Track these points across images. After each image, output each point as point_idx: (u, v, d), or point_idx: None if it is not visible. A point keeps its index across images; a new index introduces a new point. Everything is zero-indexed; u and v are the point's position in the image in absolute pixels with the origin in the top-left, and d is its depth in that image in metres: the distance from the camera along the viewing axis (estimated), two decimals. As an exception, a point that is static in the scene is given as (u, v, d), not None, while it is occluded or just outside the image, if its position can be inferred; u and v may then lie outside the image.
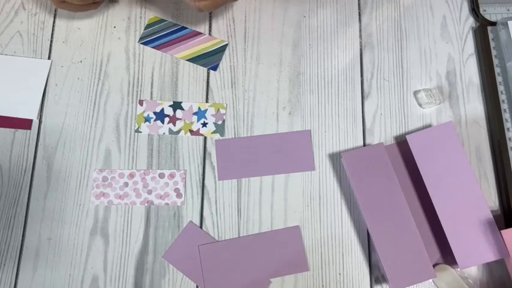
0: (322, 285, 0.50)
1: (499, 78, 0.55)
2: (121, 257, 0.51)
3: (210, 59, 0.57)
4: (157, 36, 0.58)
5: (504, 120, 0.53)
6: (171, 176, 0.53)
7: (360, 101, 0.56)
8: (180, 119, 0.55)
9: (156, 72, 0.56)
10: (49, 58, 0.57)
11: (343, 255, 0.51)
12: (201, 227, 0.52)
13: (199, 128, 0.54)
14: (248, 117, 0.55)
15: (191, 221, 0.52)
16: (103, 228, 0.51)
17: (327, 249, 0.51)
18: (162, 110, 0.55)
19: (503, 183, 0.52)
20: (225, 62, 0.57)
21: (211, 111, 0.55)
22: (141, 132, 0.54)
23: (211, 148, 0.54)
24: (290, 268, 0.50)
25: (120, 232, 0.51)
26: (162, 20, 0.58)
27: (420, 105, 0.55)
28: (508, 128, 0.53)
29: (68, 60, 0.57)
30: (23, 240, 0.51)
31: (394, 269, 0.47)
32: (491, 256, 0.47)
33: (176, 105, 0.55)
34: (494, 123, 0.53)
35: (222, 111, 0.55)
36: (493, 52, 0.56)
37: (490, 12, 0.58)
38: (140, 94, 0.55)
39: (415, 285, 0.49)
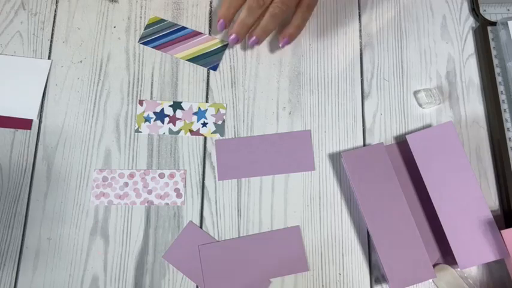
0: (322, 285, 0.50)
1: (499, 78, 0.55)
2: (121, 257, 0.51)
3: (210, 59, 0.57)
4: (157, 36, 0.58)
5: (504, 120, 0.53)
6: (171, 176, 0.53)
7: (360, 101, 0.56)
8: (180, 119, 0.55)
9: (156, 72, 0.56)
10: (49, 58, 0.57)
11: (343, 255, 0.51)
12: (201, 227, 0.52)
13: (199, 128, 0.54)
14: (248, 117, 0.55)
15: (191, 221, 0.52)
16: (103, 228, 0.51)
17: (327, 249, 0.51)
18: (162, 110, 0.55)
19: (503, 183, 0.52)
20: (225, 62, 0.57)
21: (211, 111, 0.55)
22: (141, 132, 0.54)
23: (211, 148, 0.54)
24: (290, 268, 0.50)
25: (120, 232, 0.51)
26: (162, 20, 0.58)
27: (420, 105, 0.55)
28: (508, 128, 0.53)
29: (68, 60, 0.57)
30: (23, 240, 0.51)
31: (394, 269, 0.47)
32: (491, 256, 0.47)
33: (176, 105, 0.55)
34: (494, 123, 0.53)
35: (222, 111, 0.55)
36: (493, 52, 0.56)
37: (490, 12, 0.58)
38: (140, 94, 0.55)
39: (415, 285, 0.49)
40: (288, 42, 0.54)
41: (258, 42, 0.54)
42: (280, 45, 0.54)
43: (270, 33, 0.54)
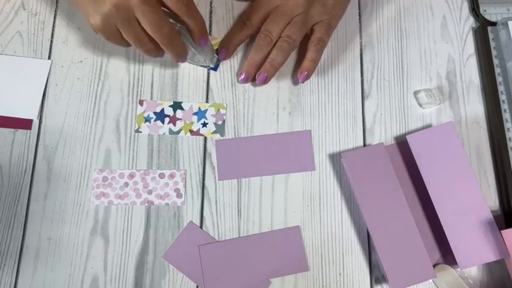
0: (322, 285, 0.50)
1: (499, 78, 0.55)
2: (121, 257, 0.51)
3: (210, 59, 0.57)
4: (158, 36, 0.57)
5: (504, 120, 0.53)
6: (171, 176, 0.53)
7: (360, 101, 0.56)
8: (180, 119, 0.55)
9: (156, 72, 0.56)
10: (49, 58, 0.57)
11: (343, 255, 0.51)
12: (201, 227, 0.52)
13: (199, 128, 0.54)
14: (248, 117, 0.55)
15: (191, 221, 0.52)
16: (103, 228, 0.51)
17: (327, 249, 0.51)
18: (162, 110, 0.55)
19: (503, 183, 0.52)
20: (225, 62, 0.57)
21: (211, 111, 0.55)
22: (141, 132, 0.54)
23: (211, 148, 0.54)
24: (290, 268, 0.50)
25: (120, 232, 0.51)
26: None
27: (420, 105, 0.55)
28: (508, 128, 0.53)
29: (68, 60, 0.57)
30: (23, 240, 0.51)
31: (394, 269, 0.47)
32: (491, 256, 0.47)
33: (176, 106, 0.55)
34: (494, 123, 0.53)
35: (222, 111, 0.55)
36: (493, 52, 0.56)
37: (490, 12, 0.58)
38: (140, 94, 0.55)
39: (415, 285, 0.49)
40: (307, 76, 0.53)
41: (267, 77, 0.53)
42: (300, 81, 0.54)
43: (278, 67, 0.54)
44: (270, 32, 0.53)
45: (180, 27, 0.48)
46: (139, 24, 0.45)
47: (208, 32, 0.51)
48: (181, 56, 0.50)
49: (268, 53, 0.53)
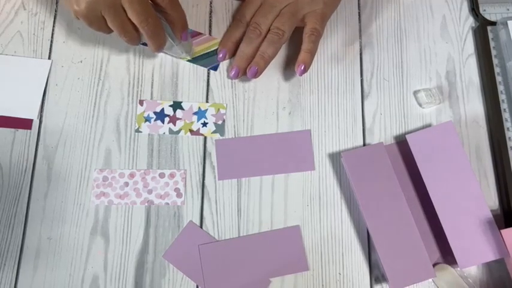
0: (322, 285, 0.50)
1: (498, 78, 0.55)
2: (121, 256, 0.51)
3: (210, 59, 0.57)
4: (158, 36, 0.58)
5: (504, 120, 0.53)
6: (171, 175, 0.53)
7: (359, 101, 0.56)
8: (180, 118, 0.55)
9: (157, 72, 0.56)
10: (49, 58, 0.57)
11: (343, 254, 0.51)
12: (201, 226, 0.52)
13: (199, 128, 0.54)
14: (248, 117, 0.55)
15: (191, 221, 0.52)
16: (103, 227, 0.51)
17: (327, 249, 0.51)
18: (162, 109, 0.55)
19: (503, 183, 0.52)
20: (225, 62, 0.57)
21: (211, 111, 0.55)
22: (141, 132, 0.54)
23: (211, 148, 0.54)
24: (290, 268, 0.50)
25: (120, 232, 0.51)
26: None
27: (420, 105, 0.55)
28: (507, 128, 0.53)
29: (68, 60, 0.57)
30: (23, 239, 0.51)
31: (394, 268, 0.47)
32: (491, 256, 0.47)
33: (176, 105, 0.55)
34: (494, 123, 0.53)
35: (222, 111, 0.55)
36: (493, 52, 0.56)
37: (489, 12, 0.58)
38: (140, 94, 0.56)
39: (415, 284, 0.49)
40: (304, 69, 0.52)
41: (257, 71, 0.53)
42: (298, 74, 0.53)
43: (269, 60, 0.53)
44: (259, 24, 0.53)
45: (160, 17, 0.48)
46: (125, 13, 0.45)
47: (188, 25, 0.51)
48: (161, 47, 0.50)
49: (259, 46, 0.53)
